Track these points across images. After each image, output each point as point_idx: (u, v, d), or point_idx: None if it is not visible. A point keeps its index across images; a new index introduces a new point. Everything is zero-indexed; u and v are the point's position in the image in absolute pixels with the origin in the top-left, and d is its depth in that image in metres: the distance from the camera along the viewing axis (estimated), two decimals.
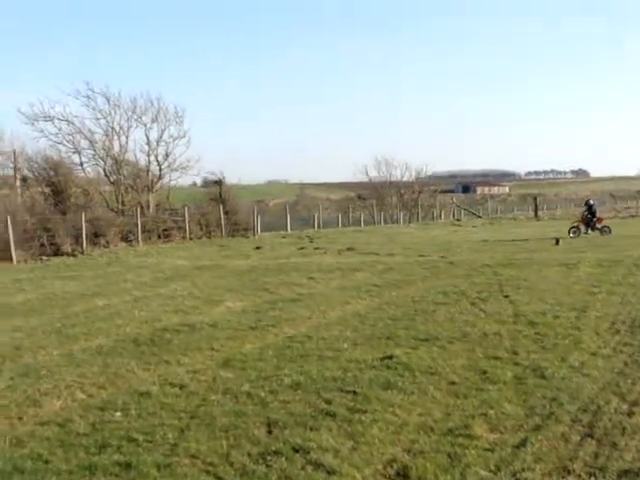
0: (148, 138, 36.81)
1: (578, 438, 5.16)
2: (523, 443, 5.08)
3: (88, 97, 35.32)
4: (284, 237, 34.60)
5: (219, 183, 38.84)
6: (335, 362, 7.66)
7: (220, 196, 36.84)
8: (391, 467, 4.80)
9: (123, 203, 34.48)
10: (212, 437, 5.42)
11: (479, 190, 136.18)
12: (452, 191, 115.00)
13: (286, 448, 5.12)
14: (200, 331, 9.80)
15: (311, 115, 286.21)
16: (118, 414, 6.10)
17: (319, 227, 43.92)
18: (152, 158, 36.90)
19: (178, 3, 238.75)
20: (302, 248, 26.22)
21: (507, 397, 6.17)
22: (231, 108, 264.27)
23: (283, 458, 4.94)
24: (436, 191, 73.13)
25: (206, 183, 46.58)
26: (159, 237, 30.82)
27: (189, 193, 43.76)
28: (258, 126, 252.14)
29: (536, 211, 59.63)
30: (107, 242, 27.55)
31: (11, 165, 32.94)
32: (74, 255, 24.79)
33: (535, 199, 65.15)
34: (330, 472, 4.70)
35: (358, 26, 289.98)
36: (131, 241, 28.87)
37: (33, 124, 34.14)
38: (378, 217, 56.22)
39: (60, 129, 34.71)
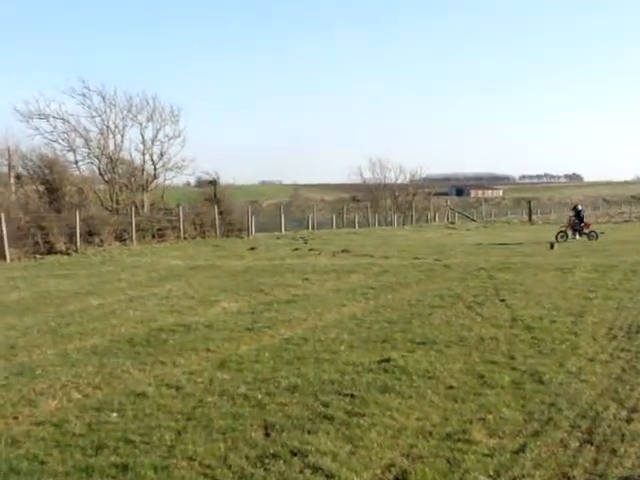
0: (143, 137, 36.84)
1: (577, 444, 5.15)
2: (522, 449, 5.06)
3: (84, 95, 35.34)
4: (278, 238, 34.57)
5: (214, 183, 38.78)
6: (332, 365, 7.63)
7: (215, 196, 36.77)
8: (390, 472, 4.77)
9: (117, 202, 34.36)
10: (209, 439, 5.38)
11: (473, 193, 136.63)
12: (446, 194, 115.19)
13: (284, 451, 5.09)
14: (195, 332, 9.75)
15: (307, 112, 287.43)
16: (114, 415, 6.06)
17: (313, 228, 43.88)
18: (147, 157, 36.93)
19: None
20: (296, 249, 26.19)
21: (505, 402, 6.15)
22: (227, 98, 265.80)
23: (281, 461, 4.91)
24: (430, 194, 73.23)
25: (200, 183, 46.51)
26: (153, 237, 30.73)
27: (183, 193, 43.75)
28: (253, 121, 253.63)
29: (530, 215, 59.94)
30: (101, 241, 27.46)
31: (5, 163, 32.80)
32: (68, 254, 24.69)
33: (529, 203, 65.49)
34: (329, 476, 4.67)
35: (354, 17, 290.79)
36: (125, 240, 28.76)
37: (28, 122, 34.14)
38: (372, 219, 56.27)
39: (55, 127, 34.72)
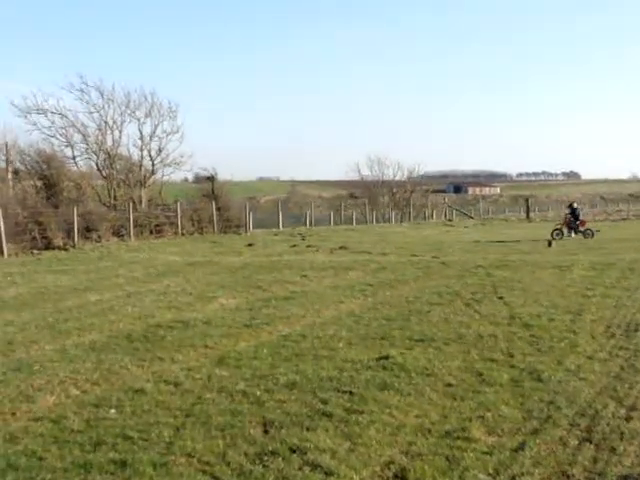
0: (141, 133, 36.77)
1: (576, 442, 5.14)
2: (521, 447, 5.05)
3: (82, 91, 35.24)
4: (276, 234, 34.56)
5: (211, 179, 38.72)
6: (331, 362, 7.62)
7: (212, 192, 36.71)
8: (389, 469, 4.76)
9: (115, 198, 34.33)
10: (208, 436, 5.37)
11: (470, 190, 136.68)
12: (444, 191, 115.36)
13: (283, 448, 5.08)
14: (194, 328, 9.74)
15: (306, 109, 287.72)
16: (113, 411, 6.05)
17: (311, 225, 43.89)
18: (145, 153, 36.87)
19: None
20: (294, 246, 26.18)
21: (504, 400, 6.15)
22: (227, 98, 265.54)
23: (280, 458, 4.90)
24: (428, 191, 73.28)
25: (198, 179, 46.40)
26: (151, 232, 30.68)
27: (181, 189, 43.70)
28: (253, 121, 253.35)
29: (528, 212, 59.86)
30: (99, 237, 27.39)
31: (3, 158, 32.76)
32: (66, 249, 24.65)
33: (527, 200, 65.38)
34: (328, 473, 4.66)
35: (354, 16, 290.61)
36: (123, 236, 28.70)
37: (26, 117, 34.08)
38: (370, 216, 56.28)
39: (53, 122, 34.65)
